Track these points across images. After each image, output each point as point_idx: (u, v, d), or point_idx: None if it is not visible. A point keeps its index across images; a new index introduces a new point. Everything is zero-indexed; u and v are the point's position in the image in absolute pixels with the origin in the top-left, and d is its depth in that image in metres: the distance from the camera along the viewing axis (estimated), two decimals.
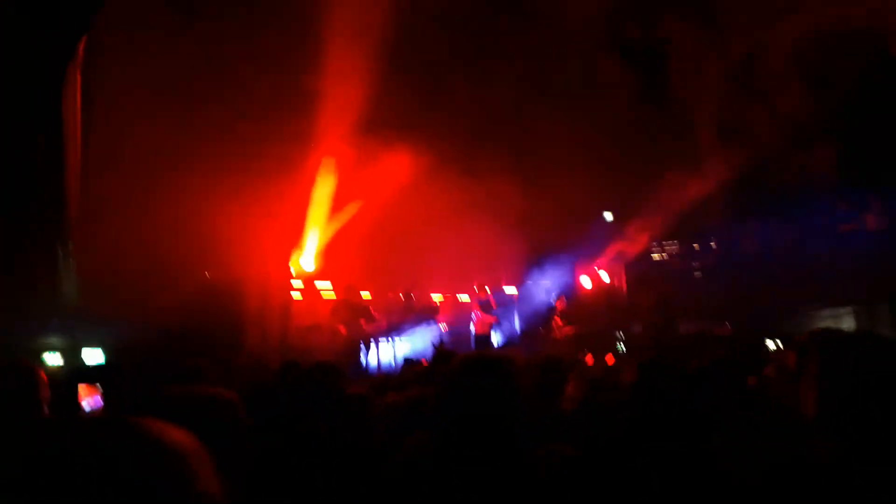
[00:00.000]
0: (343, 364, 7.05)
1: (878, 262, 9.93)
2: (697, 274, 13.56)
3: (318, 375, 3.44)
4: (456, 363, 1.89)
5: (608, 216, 13.96)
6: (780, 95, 13.09)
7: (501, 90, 13.42)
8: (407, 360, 8.80)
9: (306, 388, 3.33)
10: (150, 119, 10.15)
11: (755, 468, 1.66)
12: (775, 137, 12.63)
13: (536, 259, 14.12)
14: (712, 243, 13.93)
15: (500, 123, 13.71)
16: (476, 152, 12.91)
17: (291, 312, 11.83)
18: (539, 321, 13.21)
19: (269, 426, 2.78)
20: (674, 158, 13.33)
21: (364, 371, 10.93)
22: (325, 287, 12.69)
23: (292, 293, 12.12)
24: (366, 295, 12.46)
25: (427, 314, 13.02)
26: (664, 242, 14.04)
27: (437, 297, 13.69)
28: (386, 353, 11.96)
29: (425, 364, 5.96)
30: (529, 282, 14.42)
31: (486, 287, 12.77)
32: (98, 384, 3.07)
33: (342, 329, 11.23)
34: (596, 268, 13.81)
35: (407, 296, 12.90)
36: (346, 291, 11.85)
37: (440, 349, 7.78)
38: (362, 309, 11.65)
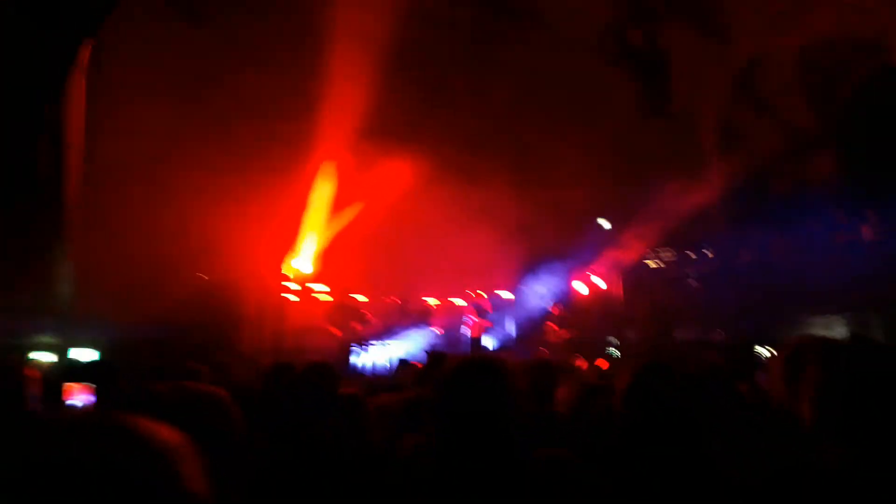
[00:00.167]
0: (337, 366, 7.04)
1: (871, 271, 9.96)
2: (693, 282, 13.57)
3: (311, 376, 3.42)
4: (450, 365, 1.89)
5: (605, 223, 13.98)
6: (779, 105, 13.15)
7: (500, 97, 13.45)
8: (402, 362, 8.80)
9: (300, 390, 3.31)
10: (149, 122, 10.16)
11: (757, 473, 1.66)
12: (773, 147, 12.67)
13: (532, 264, 14.13)
14: (708, 251, 13.95)
15: (499, 130, 13.73)
16: (474, 159, 12.93)
17: (286, 315, 11.82)
18: (534, 326, 13.21)
19: (263, 427, 2.77)
20: (670, 166, 13.36)
21: (358, 373, 10.92)
22: (320, 290, 12.68)
23: (288, 295, 12.11)
24: (361, 298, 12.47)
25: (422, 318, 13.03)
26: (660, 250, 14.05)
27: (432, 301, 13.69)
28: (380, 355, 11.95)
29: (420, 367, 5.95)
30: (525, 287, 14.43)
31: (482, 292, 12.79)
32: (91, 382, 3.05)
33: (337, 331, 11.22)
34: (592, 274, 13.83)
35: (402, 299, 12.90)
36: (342, 294, 11.83)
37: (433, 352, 7.78)
38: (357, 312, 11.65)
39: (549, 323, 12.59)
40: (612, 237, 14.20)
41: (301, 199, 12.75)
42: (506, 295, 14.23)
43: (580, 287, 13.87)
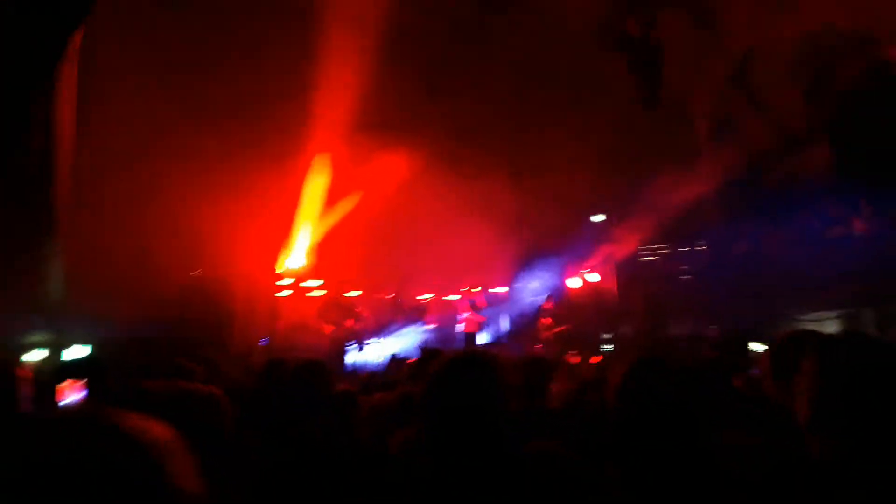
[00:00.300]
0: (330, 363, 7.03)
1: (864, 266, 10.00)
2: (687, 276, 13.61)
3: (304, 374, 3.41)
4: (442, 360, 1.90)
5: (599, 218, 14.00)
6: (773, 98, 13.18)
7: (494, 91, 13.43)
8: (394, 358, 8.80)
9: (293, 387, 3.30)
10: (140, 116, 10.08)
11: (755, 467, 1.66)
12: (767, 140, 12.70)
13: (526, 260, 14.14)
14: (702, 246, 13.99)
15: (492, 123, 13.71)
16: (468, 153, 12.91)
17: (278, 311, 11.79)
18: (528, 321, 13.23)
19: (256, 425, 2.75)
20: (665, 160, 13.38)
21: (351, 370, 10.92)
22: (313, 285, 12.66)
23: (280, 292, 12.08)
24: (354, 294, 12.45)
25: (415, 314, 13.03)
26: (654, 244, 14.08)
27: (426, 297, 13.69)
28: (374, 352, 11.94)
29: (411, 363, 5.95)
30: (519, 282, 14.45)
31: (476, 287, 12.79)
32: (83, 379, 3.03)
33: (329, 328, 11.20)
34: (586, 269, 13.85)
35: (396, 295, 12.89)
36: (335, 290, 11.81)
37: (426, 349, 7.79)
38: (350, 308, 11.63)
39: (542, 318, 12.61)
40: (607, 231, 14.23)
41: (294, 192, 12.70)
42: (500, 290, 14.25)
43: (574, 282, 13.90)
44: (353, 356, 11.49)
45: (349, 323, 11.49)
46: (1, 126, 8.01)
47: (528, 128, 13.81)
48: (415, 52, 12.83)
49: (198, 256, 10.55)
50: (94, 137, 9.53)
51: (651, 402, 2.03)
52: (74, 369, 3.18)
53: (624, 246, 13.56)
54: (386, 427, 2.60)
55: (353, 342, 11.53)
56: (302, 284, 12.45)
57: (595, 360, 7.93)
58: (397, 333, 12.42)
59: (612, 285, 13.57)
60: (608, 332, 12.83)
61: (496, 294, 14.05)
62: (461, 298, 12.92)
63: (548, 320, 12.44)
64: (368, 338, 11.92)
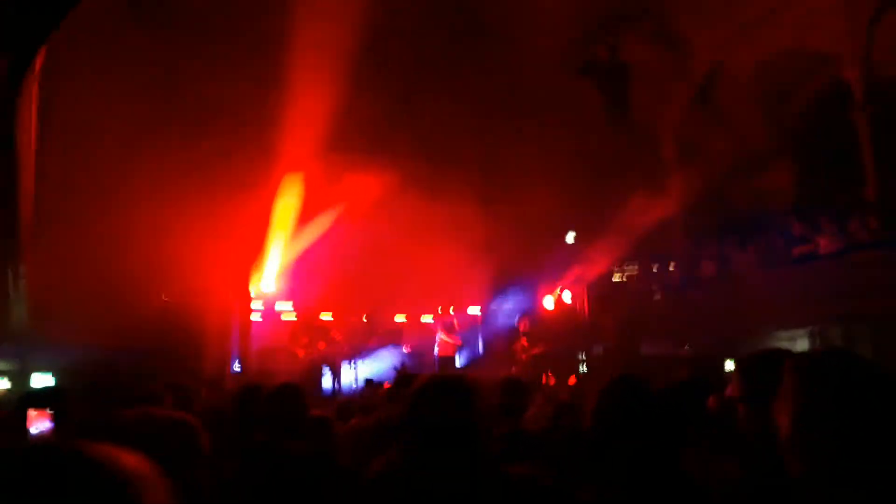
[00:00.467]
0: (307, 387, 6.94)
1: (831, 284, 10.18)
2: (657, 296, 13.74)
3: (279, 399, 3.37)
4: (418, 383, 1.89)
5: (571, 237, 14.10)
6: (738, 119, 13.47)
7: (465, 112, 13.53)
8: (368, 382, 8.72)
9: (268, 412, 3.25)
10: (105, 136, 9.94)
11: (732, 487, 1.66)
12: (731, 161, 12.96)
13: (500, 281, 14.16)
14: (672, 265, 14.17)
15: (464, 146, 13.80)
16: (439, 174, 12.95)
17: (250, 335, 11.63)
18: (502, 342, 13.21)
19: (233, 451, 2.71)
20: (634, 181, 13.57)
21: (326, 394, 10.79)
22: (285, 309, 12.53)
23: (252, 315, 11.93)
24: (327, 316, 12.34)
25: (389, 337, 12.95)
26: (625, 264, 14.22)
27: (400, 318, 13.62)
28: (348, 375, 11.82)
29: (388, 387, 5.90)
30: (493, 303, 14.45)
31: (451, 308, 12.77)
32: (48, 409, 2.96)
33: (301, 352, 11.07)
34: (558, 289, 13.91)
35: (369, 318, 12.81)
36: (307, 313, 11.70)
37: (401, 372, 7.73)
38: (323, 331, 11.52)
39: (517, 340, 12.60)
40: (578, 251, 14.33)
41: (264, 215, 12.60)
42: (474, 311, 14.23)
43: (547, 303, 13.95)
44: (327, 380, 11.36)
45: (321, 346, 11.37)
46: None
47: (499, 150, 13.93)
48: (386, 77, 12.89)
49: (167, 280, 10.38)
50: (58, 160, 9.35)
51: (627, 423, 2.04)
52: (38, 399, 3.11)
53: (595, 266, 13.66)
54: (364, 452, 2.57)
55: (329, 366, 11.40)
56: (273, 305, 12.33)
57: (572, 381, 7.95)
58: (371, 357, 12.31)
59: (584, 306, 13.64)
60: (583, 353, 12.87)
61: (471, 315, 14.03)
62: (435, 321, 12.87)
63: (523, 341, 12.44)
64: (342, 361, 11.79)
